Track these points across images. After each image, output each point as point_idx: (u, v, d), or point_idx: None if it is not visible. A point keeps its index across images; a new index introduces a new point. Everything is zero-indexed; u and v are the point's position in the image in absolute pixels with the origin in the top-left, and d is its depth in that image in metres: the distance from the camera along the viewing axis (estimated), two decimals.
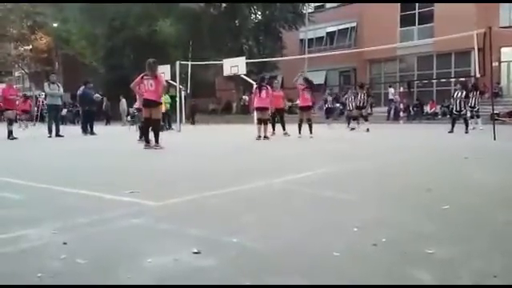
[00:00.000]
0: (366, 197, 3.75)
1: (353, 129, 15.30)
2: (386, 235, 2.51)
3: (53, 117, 13.43)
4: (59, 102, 13.65)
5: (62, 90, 13.50)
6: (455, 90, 14.12)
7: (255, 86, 11.83)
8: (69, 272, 2.03)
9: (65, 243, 2.42)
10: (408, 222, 2.90)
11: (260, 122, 11.22)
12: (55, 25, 34.75)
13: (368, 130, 14.48)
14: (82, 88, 14.80)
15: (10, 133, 12.11)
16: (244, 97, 30.52)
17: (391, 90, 26.05)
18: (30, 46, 41.65)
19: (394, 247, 2.33)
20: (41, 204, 3.62)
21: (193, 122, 22.76)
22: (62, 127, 13.88)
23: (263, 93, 11.21)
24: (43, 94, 25.21)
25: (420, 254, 2.21)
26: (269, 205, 3.51)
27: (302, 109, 12.38)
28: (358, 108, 15.70)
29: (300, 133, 11.80)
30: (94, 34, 29.25)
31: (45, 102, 16.69)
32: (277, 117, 13.31)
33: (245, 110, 28.64)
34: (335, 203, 3.52)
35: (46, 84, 13.46)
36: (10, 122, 12.48)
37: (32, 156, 8.19)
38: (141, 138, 10.73)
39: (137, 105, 11.17)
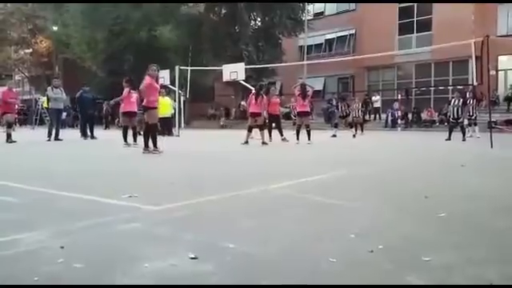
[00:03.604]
0: (363, 203, 3.75)
1: (354, 136, 15.41)
2: (383, 242, 2.52)
3: (55, 121, 13.47)
4: (61, 107, 13.71)
5: (64, 94, 13.56)
6: (453, 97, 14.20)
7: (253, 92, 11.92)
8: (66, 276, 2.03)
9: (62, 247, 2.42)
10: (405, 228, 2.91)
11: (250, 129, 11.45)
12: (55, 28, 34.83)
13: (354, 136, 15.18)
14: (79, 92, 14.84)
15: (9, 136, 12.11)
16: (242, 103, 30.59)
17: (375, 98, 26.18)
18: (31, 50, 41.75)
19: (390, 254, 2.34)
20: (39, 208, 3.61)
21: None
22: (61, 131, 13.88)
23: (258, 100, 11.46)
24: (42, 97, 25.25)
25: (416, 261, 2.21)
26: (266, 210, 3.51)
27: (299, 114, 12.43)
28: (355, 117, 16.55)
29: (298, 139, 11.83)
30: (94, 39, 29.32)
31: (43, 105, 16.64)
32: (273, 123, 13.39)
33: (243, 116, 28.69)
34: (332, 209, 3.53)
35: (49, 88, 13.50)
36: (9, 126, 12.48)
37: (30, 160, 8.19)
38: (126, 142, 10.77)
39: (123, 109, 11.21)
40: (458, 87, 19.67)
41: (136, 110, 11.08)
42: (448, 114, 14.82)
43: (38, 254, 2.37)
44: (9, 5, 39.07)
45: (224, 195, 4.09)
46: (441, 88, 25.40)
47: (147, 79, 8.57)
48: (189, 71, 18.76)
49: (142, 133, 9.91)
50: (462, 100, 13.55)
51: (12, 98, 12.96)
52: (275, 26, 30.57)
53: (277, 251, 2.42)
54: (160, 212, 3.37)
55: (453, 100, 13.80)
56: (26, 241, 2.58)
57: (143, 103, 8.70)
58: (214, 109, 34.57)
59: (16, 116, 16.21)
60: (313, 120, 18.17)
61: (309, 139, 11.64)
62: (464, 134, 13.20)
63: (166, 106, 16.14)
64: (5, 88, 13.64)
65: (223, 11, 31.01)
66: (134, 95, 10.86)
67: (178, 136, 16.35)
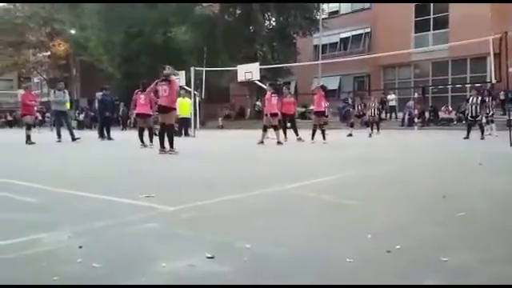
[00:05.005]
0: (380, 203, 3.73)
1: (370, 135, 15.28)
2: (400, 242, 2.49)
3: (60, 122, 13.73)
4: (64, 109, 13.85)
5: (67, 96, 13.84)
6: (470, 95, 13.99)
7: (269, 92, 11.93)
8: (84, 276, 2.06)
9: (80, 247, 2.45)
10: (423, 228, 2.88)
11: (265, 128, 11.50)
12: (73, 32, 35.29)
13: (370, 135, 15.02)
14: (100, 94, 15.02)
15: (29, 137, 12.31)
16: (258, 103, 30.64)
17: (390, 97, 25.89)
18: (49, 53, 42.42)
19: (408, 254, 2.32)
20: (57, 208, 3.67)
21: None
22: (79, 132, 14.09)
23: (274, 99, 11.55)
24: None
25: (434, 262, 2.19)
26: (282, 210, 3.51)
27: (316, 114, 12.38)
28: (371, 116, 16.37)
29: (313, 138, 11.80)
30: (111, 41, 29.62)
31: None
32: (288, 123, 13.39)
33: (258, 116, 28.73)
34: (349, 209, 3.51)
35: (51, 91, 13.80)
36: (29, 127, 12.69)
37: (49, 160, 8.32)
38: (142, 142, 10.83)
39: (136, 110, 11.30)
40: (476, 85, 19.37)
41: (148, 111, 11.14)
42: (466, 112, 14.60)
43: (57, 253, 2.40)
44: (26, 9, 39.75)
45: (240, 195, 4.09)
46: (458, 86, 25.05)
47: (177, 81, 8.75)
48: (204, 72, 18.85)
49: (157, 133, 9.98)
50: (480, 98, 13.35)
51: (31, 100, 13.20)
52: (290, 25, 30.54)
53: (293, 251, 2.41)
54: (177, 212, 3.39)
55: (471, 98, 13.60)
56: (45, 241, 2.62)
57: (166, 104, 8.66)
58: (230, 109, 34.70)
59: (35, 117, 16.44)
60: (327, 119, 18.11)
61: (324, 139, 11.60)
62: (482, 133, 13.00)
63: (185, 107, 16.28)
64: (23, 91, 13.91)
65: (237, 12, 31.08)
66: (142, 96, 10.97)
67: (194, 136, 16.43)
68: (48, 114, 27.60)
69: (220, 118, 29.08)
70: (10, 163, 7.78)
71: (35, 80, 50.04)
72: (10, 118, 40.90)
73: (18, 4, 40.86)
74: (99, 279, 2.02)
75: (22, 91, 16.08)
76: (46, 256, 2.36)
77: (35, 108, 14.81)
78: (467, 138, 12.72)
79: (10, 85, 52.26)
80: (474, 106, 13.16)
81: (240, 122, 29.71)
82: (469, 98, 14.03)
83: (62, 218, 3.21)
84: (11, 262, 2.27)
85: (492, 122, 14.71)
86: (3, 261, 2.27)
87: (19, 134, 16.14)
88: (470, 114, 13.39)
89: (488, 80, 19.74)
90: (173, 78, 8.91)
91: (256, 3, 28.25)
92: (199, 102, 19.92)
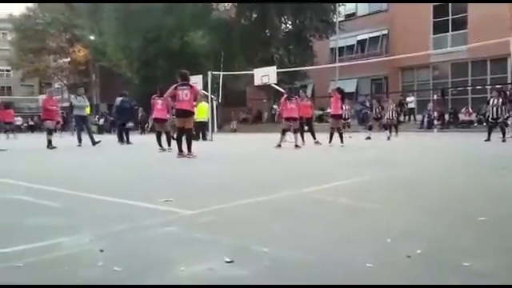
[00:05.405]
0: (399, 207, 3.68)
1: (389, 138, 15.14)
2: (421, 247, 2.46)
3: (80, 127, 14.01)
4: (85, 113, 14.11)
5: (87, 102, 14.12)
6: (491, 97, 13.77)
7: (283, 97, 11.92)
8: (106, 280, 2.08)
9: (102, 250, 2.48)
10: (443, 233, 2.84)
11: (284, 132, 11.45)
12: (92, 37, 35.90)
13: (389, 138, 14.93)
14: (119, 100, 15.19)
15: (50, 142, 12.52)
16: (274, 106, 30.68)
17: (410, 99, 25.60)
18: (69, 59, 43.24)
19: (428, 259, 2.28)
20: (78, 212, 3.71)
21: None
22: (98, 136, 14.29)
23: (290, 104, 11.43)
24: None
25: (456, 267, 2.15)
26: (301, 214, 3.49)
27: (334, 117, 12.30)
28: (389, 118, 16.20)
29: (331, 141, 11.73)
30: (129, 46, 30.03)
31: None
32: (305, 126, 13.33)
33: (275, 119, 28.74)
34: (367, 213, 3.48)
35: (72, 96, 14.09)
36: (50, 132, 12.90)
37: (70, 165, 8.44)
38: (161, 147, 10.90)
39: (153, 115, 11.39)
40: (497, 86, 19.05)
41: (164, 116, 11.21)
42: (487, 113, 14.36)
43: (78, 257, 2.43)
44: (47, 15, 40.59)
45: (258, 199, 4.09)
46: (478, 87, 24.66)
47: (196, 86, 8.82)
48: (221, 76, 18.96)
49: (175, 137, 10.05)
50: (501, 99, 13.12)
51: (52, 105, 13.43)
52: (306, 28, 30.52)
53: (312, 255, 2.40)
54: (195, 216, 3.41)
55: (491, 99, 13.39)
56: (66, 244, 2.66)
57: (188, 108, 8.68)
58: (247, 113, 34.79)
59: (57, 122, 16.74)
60: (349, 121, 18.06)
61: (341, 142, 11.52)
62: (504, 135, 12.77)
63: (203, 111, 16.37)
64: (45, 96, 14.20)
65: (254, 15, 31.19)
66: (159, 101, 11.04)
67: (211, 140, 16.50)
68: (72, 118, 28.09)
69: (234, 122, 29.15)
70: (31, 167, 7.94)
71: (56, 85, 51.04)
72: (31, 122, 41.79)
73: (38, 10, 41.79)
74: (121, 283, 2.04)
75: (43, 96, 16.44)
76: (68, 260, 2.38)
77: (57, 113, 15.06)
78: (488, 140, 12.52)
79: (31, 90, 53.42)
80: (495, 108, 12.94)
81: (257, 125, 29.76)
82: (489, 100, 13.81)
83: (82, 222, 3.25)
84: (32, 266, 2.30)
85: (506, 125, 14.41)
86: (24, 265, 2.29)
87: (40, 138, 16.45)
88: (490, 116, 13.18)
89: (509, 81, 19.38)
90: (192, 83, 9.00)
91: (272, 4, 28.22)
92: (216, 105, 20.03)
